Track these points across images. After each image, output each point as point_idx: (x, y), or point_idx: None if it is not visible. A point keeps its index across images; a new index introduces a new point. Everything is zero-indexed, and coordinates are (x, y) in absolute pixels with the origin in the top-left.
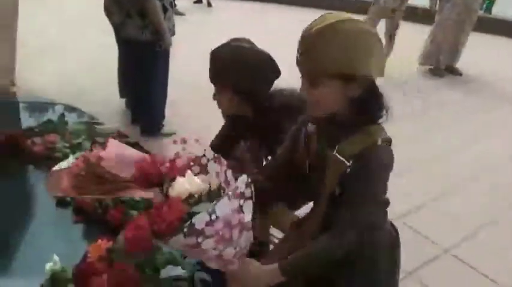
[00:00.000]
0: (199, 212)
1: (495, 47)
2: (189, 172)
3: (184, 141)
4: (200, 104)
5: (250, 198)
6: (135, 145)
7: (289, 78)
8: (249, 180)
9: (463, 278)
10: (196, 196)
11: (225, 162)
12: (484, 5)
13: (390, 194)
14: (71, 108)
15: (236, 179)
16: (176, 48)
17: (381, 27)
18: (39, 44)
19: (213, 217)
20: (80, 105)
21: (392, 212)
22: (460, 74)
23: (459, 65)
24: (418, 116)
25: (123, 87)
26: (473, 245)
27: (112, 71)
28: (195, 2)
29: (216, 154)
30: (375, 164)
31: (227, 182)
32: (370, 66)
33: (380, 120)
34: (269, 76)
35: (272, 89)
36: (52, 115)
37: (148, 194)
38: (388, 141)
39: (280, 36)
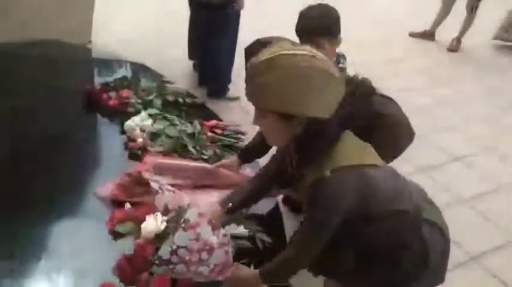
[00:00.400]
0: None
1: None
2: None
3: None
4: None
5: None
6: (202, 106)
7: None
8: (199, 211)
9: None
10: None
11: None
12: None
13: (464, 176)
14: (143, 67)
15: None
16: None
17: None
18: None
19: (174, 247)
20: (150, 65)
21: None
22: None
23: None
24: (495, 94)
25: (193, 50)
26: None
27: (179, 33)
28: None
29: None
30: (319, 197)
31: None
32: (311, 105)
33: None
34: None
35: None
36: (125, 72)
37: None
38: (353, 166)
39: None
